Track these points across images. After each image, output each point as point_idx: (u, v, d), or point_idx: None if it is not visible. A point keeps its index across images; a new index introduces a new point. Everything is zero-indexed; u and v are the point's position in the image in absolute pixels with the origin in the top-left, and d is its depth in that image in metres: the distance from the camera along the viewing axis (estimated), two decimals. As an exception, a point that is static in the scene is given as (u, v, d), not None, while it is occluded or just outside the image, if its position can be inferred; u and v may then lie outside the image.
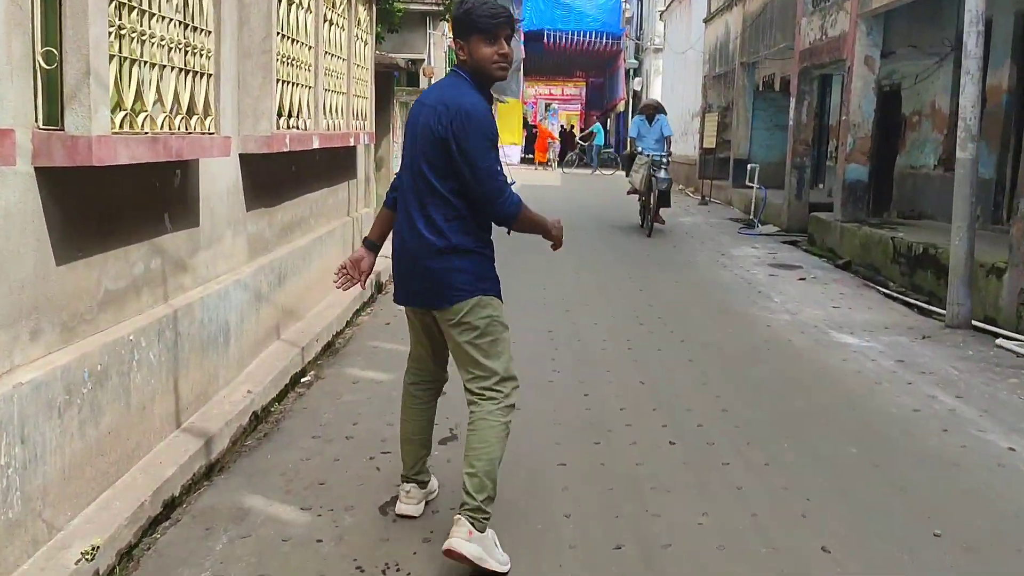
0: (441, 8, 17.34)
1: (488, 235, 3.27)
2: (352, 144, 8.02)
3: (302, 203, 6.93)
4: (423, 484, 3.65)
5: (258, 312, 5.66)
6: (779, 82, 19.45)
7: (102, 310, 3.62)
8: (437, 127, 3.13)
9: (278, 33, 5.68)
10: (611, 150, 37.44)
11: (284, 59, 5.86)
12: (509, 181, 3.33)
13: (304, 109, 6.44)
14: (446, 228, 3.15)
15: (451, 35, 3.51)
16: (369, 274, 3.65)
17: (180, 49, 4.03)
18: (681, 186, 25.12)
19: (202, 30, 4.31)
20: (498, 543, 3.15)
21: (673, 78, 31.01)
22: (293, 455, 4.09)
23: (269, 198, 6.03)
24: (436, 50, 22.73)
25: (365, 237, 3.67)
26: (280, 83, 5.80)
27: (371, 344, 6.18)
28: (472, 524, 3.07)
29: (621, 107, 43.23)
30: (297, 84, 6.22)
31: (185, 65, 4.11)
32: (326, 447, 4.19)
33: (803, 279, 9.26)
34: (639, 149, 13.48)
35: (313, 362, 6.08)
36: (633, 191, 13.84)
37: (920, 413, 4.89)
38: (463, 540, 3.02)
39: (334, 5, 7.37)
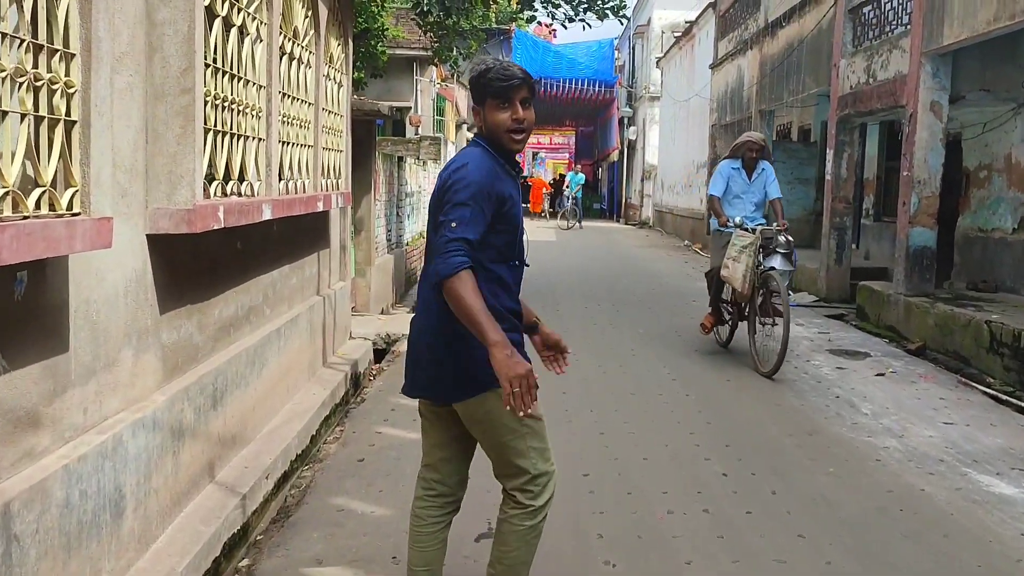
0: (429, 53, 16.09)
1: (516, 314, 3.01)
2: (321, 208, 6.46)
3: (252, 288, 5.34)
4: None
5: (177, 456, 4.04)
6: (797, 131, 18.21)
7: None
8: (436, 195, 2.94)
9: (209, 65, 4.13)
10: (578, 198, 35.50)
11: (220, 102, 4.29)
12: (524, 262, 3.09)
13: (251, 168, 4.87)
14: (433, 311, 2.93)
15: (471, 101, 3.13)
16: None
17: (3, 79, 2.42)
18: (687, 241, 23.82)
19: (56, 51, 2.71)
20: None
21: (673, 127, 29.92)
22: None
23: (200, 290, 4.44)
24: (423, 98, 21.54)
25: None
26: (214, 134, 4.23)
27: (334, 503, 4.38)
28: None
29: (615, 156, 42.47)
30: (241, 136, 4.66)
31: (23, 107, 2.51)
32: None
33: (881, 374, 7.63)
34: (735, 220, 7.92)
35: (257, 516, 4.43)
36: (717, 286, 8.45)
37: None
38: None
39: (296, 36, 5.84)
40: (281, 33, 5.42)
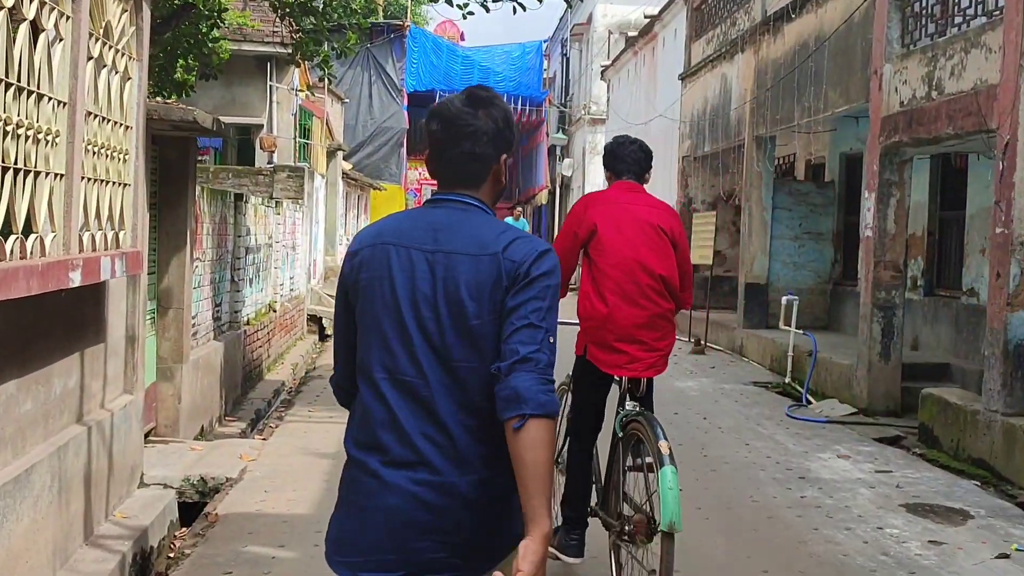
0: (289, 51, 14.91)
1: None
2: (79, 282, 5.19)
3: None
4: None
5: None
6: (804, 166, 17.59)
7: None
8: (484, 283, 2.78)
9: None
10: None
11: None
12: None
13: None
14: (495, 454, 2.77)
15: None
16: None
17: None
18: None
19: None
20: None
21: (624, 159, 29.40)
22: None
23: None
24: (281, 112, 20.55)
25: None
26: None
27: None
28: None
29: (543, 198, 42.25)
30: None
31: None
32: None
33: (1005, 556, 6.27)
34: None
35: None
36: None
37: None
38: None
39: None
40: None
